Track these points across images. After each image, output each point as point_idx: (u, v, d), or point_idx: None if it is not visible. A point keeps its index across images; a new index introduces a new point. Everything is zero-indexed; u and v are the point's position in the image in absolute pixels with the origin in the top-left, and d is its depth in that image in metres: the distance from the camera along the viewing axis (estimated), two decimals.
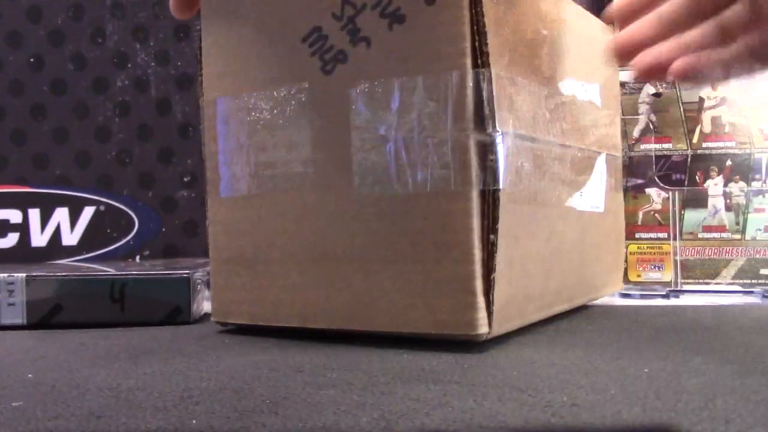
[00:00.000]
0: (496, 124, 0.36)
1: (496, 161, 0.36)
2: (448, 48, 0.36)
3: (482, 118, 0.36)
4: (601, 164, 0.49)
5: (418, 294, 0.37)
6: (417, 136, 0.37)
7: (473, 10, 0.36)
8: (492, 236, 0.36)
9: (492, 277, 0.36)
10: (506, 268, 0.37)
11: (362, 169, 0.39)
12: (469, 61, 0.36)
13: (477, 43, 0.36)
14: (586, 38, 0.49)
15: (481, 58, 0.36)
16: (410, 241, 0.37)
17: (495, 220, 0.36)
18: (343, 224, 0.40)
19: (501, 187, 0.36)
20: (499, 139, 0.36)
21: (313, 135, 0.40)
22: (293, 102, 0.41)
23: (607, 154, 0.50)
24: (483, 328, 0.36)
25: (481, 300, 0.36)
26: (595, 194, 0.48)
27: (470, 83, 0.36)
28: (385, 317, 0.38)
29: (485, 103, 0.36)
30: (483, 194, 0.36)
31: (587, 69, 0.48)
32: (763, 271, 0.59)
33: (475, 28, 0.36)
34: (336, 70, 0.39)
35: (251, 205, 0.43)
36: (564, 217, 0.44)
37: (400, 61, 0.38)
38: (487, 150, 0.36)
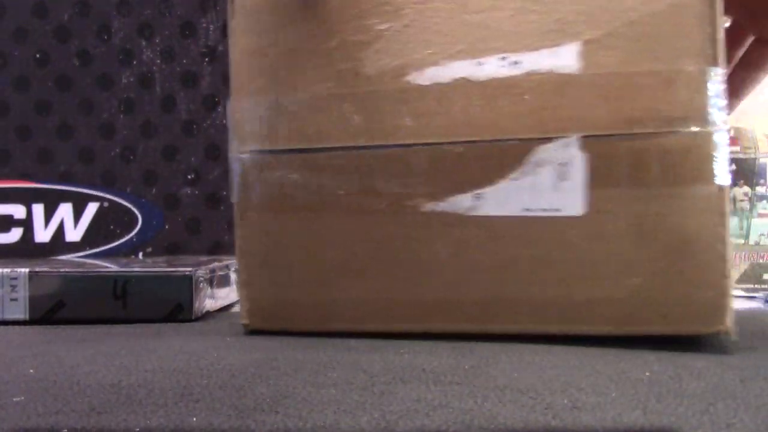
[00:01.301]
0: (236, 146, 0.43)
1: (235, 177, 0.43)
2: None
3: (236, 139, 0.43)
4: (547, 153, 0.38)
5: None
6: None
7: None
8: (241, 243, 0.43)
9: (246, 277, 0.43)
10: (261, 271, 0.43)
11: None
12: (232, 90, 0.43)
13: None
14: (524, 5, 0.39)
15: (233, 86, 0.43)
16: None
17: (244, 230, 0.43)
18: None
19: (237, 200, 0.43)
20: (246, 156, 0.42)
21: None
22: None
23: (582, 138, 0.38)
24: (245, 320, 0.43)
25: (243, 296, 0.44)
26: (529, 194, 0.39)
27: (227, 111, 0.44)
28: None
29: (233, 127, 0.43)
30: (236, 206, 0.43)
31: (529, 36, 0.39)
32: (767, 276, 0.59)
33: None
34: None
35: None
36: (423, 225, 0.41)
37: None
38: (234, 168, 0.43)
